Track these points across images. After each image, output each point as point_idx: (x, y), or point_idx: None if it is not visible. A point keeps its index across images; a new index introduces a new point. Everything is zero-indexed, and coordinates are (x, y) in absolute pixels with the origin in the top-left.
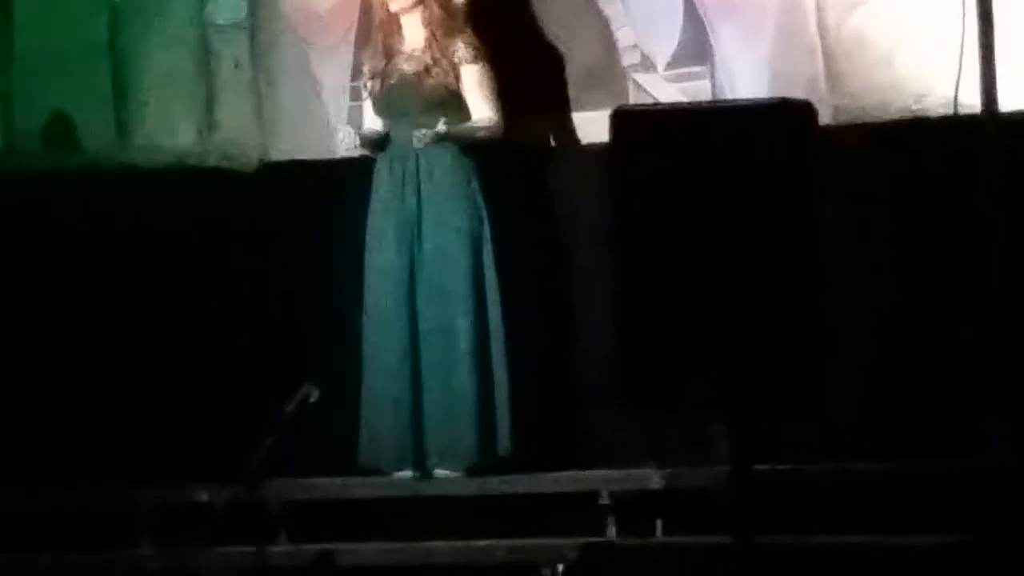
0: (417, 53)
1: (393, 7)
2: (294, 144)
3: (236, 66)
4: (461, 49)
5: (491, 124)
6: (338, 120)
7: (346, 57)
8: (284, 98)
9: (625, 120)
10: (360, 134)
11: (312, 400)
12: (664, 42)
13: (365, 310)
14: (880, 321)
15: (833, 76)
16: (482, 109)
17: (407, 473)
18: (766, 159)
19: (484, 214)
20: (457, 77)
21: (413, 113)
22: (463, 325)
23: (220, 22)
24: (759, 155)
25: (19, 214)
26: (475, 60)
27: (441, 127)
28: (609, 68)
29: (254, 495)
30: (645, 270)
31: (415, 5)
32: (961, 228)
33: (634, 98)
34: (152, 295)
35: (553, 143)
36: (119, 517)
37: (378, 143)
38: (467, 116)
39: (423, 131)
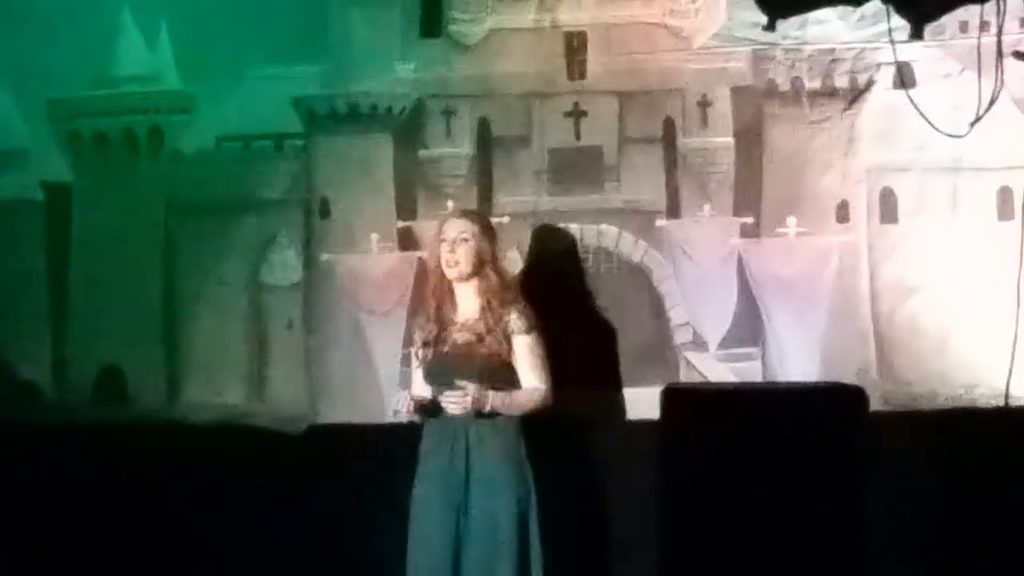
0: (470, 322)
1: (450, 276)
2: (343, 408)
3: (289, 327)
4: (514, 319)
5: (539, 395)
6: (389, 385)
7: (399, 323)
8: (335, 361)
9: (676, 397)
10: (414, 399)
11: None
12: (717, 321)
13: (408, 573)
14: None
15: (884, 362)
16: (531, 379)
17: None
18: (815, 442)
19: (532, 485)
20: (509, 347)
21: (464, 381)
22: None
23: (274, 283)
24: (809, 438)
25: (68, 466)
26: (527, 331)
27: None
28: (661, 345)
29: None
30: (691, 547)
31: (471, 276)
32: (1009, 519)
33: (685, 375)
34: (197, 552)
35: (602, 417)
36: None
37: (430, 410)
38: (518, 387)
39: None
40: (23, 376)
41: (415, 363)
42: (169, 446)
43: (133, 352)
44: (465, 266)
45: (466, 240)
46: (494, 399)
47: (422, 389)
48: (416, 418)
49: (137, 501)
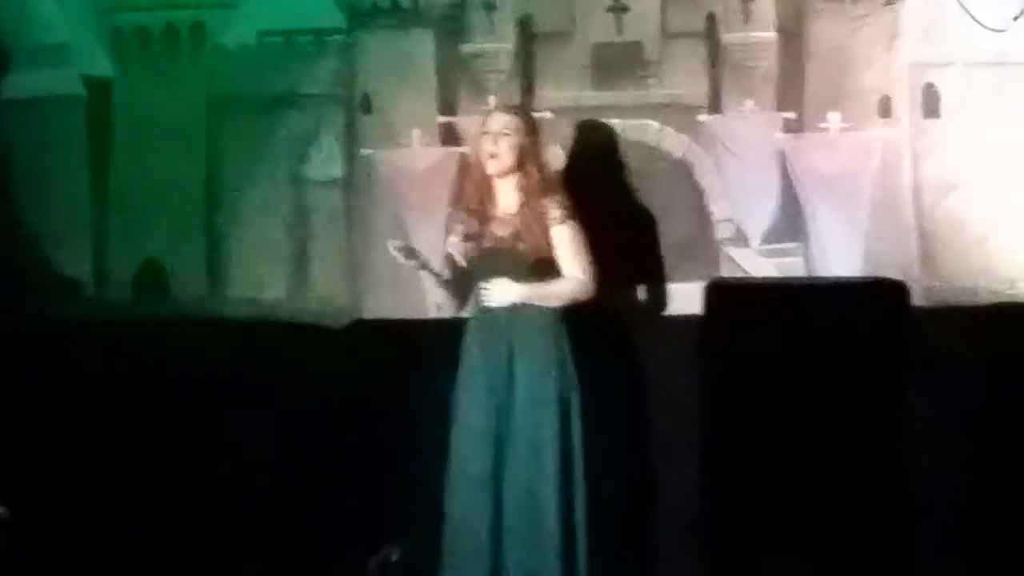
0: (510, 217)
1: (490, 170)
2: (385, 302)
3: (331, 221)
4: (552, 210)
5: (577, 283)
6: (431, 280)
7: (441, 217)
8: (377, 256)
9: (718, 292)
10: (406, 248)
11: (394, 560)
12: (759, 217)
13: (450, 470)
14: (963, 500)
15: (926, 257)
16: (571, 268)
17: None
18: (857, 337)
19: (575, 379)
20: (549, 240)
21: (506, 276)
22: (549, 490)
23: (316, 178)
24: (851, 333)
25: (108, 362)
26: (565, 221)
27: (518, 295)
28: (703, 240)
29: None
30: (732, 442)
31: (512, 170)
32: None
33: (727, 271)
34: (236, 448)
35: (645, 312)
36: None
37: (414, 254)
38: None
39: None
40: (65, 272)
41: (448, 254)
42: (210, 342)
43: (175, 248)
44: (505, 160)
45: (507, 135)
46: (524, 289)
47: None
48: (401, 258)
49: (178, 397)
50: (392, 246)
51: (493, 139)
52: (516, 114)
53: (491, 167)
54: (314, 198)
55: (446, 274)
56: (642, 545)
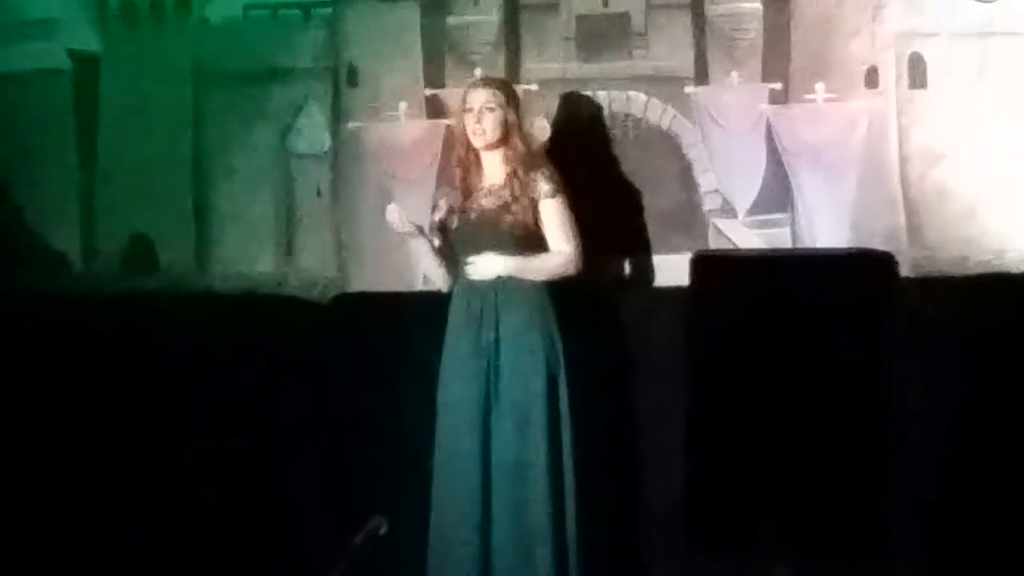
0: (496, 188)
1: (477, 144)
2: (372, 275)
3: (318, 195)
4: (540, 183)
5: (563, 257)
6: (417, 254)
7: (428, 190)
8: (364, 229)
9: (705, 264)
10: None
11: (381, 532)
12: (746, 188)
13: (437, 444)
14: (950, 472)
15: (913, 228)
16: (559, 242)
17: None
18: (845, 308)
19: (560, 351)
20: (536, 213)
21: (492, 248)
22: (538, 462)
23: (302, 152)
24: (838, 304)
25: (97, 336)
26: (553, 194)
27: (504, 269)
28: (690, 212)
29: None
30: (718, 413)
31: (498, 143)
32: None
33: (714, 243)
34: (223, 421)
35: (631, 284)
36: None
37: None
38: (546, 252)
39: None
40: (53, 246)
41: (434, 228)
42: (198, 315)
43: (162, 221)
44: (492, 135)
45: (492, 110)
46: (510, 263)
47: (434, 251)
48: (399, 224)
49: (165, 370)
50: (392, 210)
51: (477, 115)
52: (498, 88)
53: (477, 142)
54: (300, 171)
55: (437, 242)
56: (629, 513)
